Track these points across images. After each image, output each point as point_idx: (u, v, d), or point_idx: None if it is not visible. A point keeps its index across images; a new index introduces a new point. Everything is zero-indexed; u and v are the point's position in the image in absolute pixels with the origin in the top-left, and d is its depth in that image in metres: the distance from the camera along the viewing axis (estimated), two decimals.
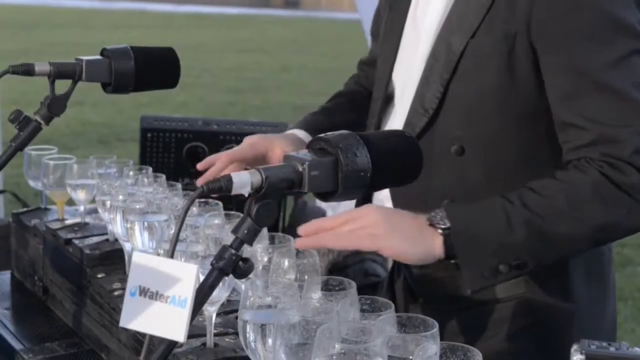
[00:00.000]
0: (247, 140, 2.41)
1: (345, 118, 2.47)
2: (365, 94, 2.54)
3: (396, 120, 2.26)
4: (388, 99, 2.31)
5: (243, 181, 1.51)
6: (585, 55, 1.96)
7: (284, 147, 2.36)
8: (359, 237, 1.93)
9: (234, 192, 1.50)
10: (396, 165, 1.65)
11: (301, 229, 1.95)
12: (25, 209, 2.86)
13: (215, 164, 2.34)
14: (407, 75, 2.22)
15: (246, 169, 2.38)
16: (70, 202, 2.65)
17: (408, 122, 2.17)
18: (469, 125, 2.07)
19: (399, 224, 1.95)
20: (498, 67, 2.03)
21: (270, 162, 2.36)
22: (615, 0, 1.97)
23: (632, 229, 2.00)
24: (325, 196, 1.61)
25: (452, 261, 1.98)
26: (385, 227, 1.92)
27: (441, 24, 2.13)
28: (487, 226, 1.95)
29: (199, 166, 2.36)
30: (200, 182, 2.29)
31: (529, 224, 1.93)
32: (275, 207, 1.55)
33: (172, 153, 4.19)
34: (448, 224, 1.95)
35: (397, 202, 2.17)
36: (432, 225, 1.96)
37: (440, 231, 1.95)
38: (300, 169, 1.56)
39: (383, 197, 2.24)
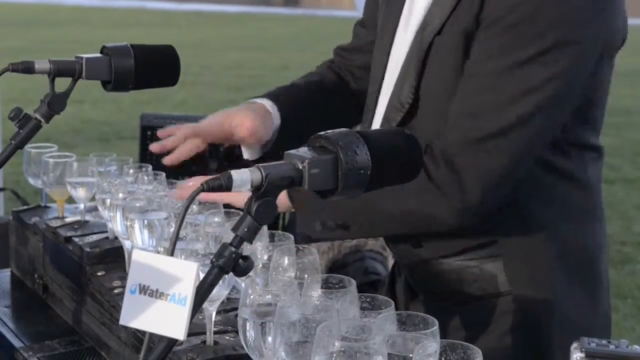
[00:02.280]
0: (211, 118, 2.39)
1: (311, 97, 2.48)
2: (335, 80, 2.54)
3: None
4: (380, 95, 2.32)
5: (243, 179, 1.51)
6: (498, 44, 1.98)
7: (250, 118, 2.35)
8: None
9: (234, 189, 1.50)
10: (396, 163, 1.64)
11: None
12: (25, 207, 2.86)
13: (175, 136, 2.34)
14: (395, 71, 2.23)
15: (217, 146, 2.39)
16: (70, 200, 2.65)
17: (386, 117, 2.19)
18: (441, 121, 2.08)
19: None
20: (458, 64, 2.05)
21: (239, 135, 2.35)
22: (564, 7, 1.96)
23: (441, 220, 2.04)
24: (325, 194, 1.61)
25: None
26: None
27: (422, 20, 2.15)
28: None
29: (154, 147, 2.37)
30: (166, 160, 2.31)
31: None
32: (275, 205, 1.55)
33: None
34: None
35: None
36: None
37: None
38: (301, 167, 1.56)
39: None
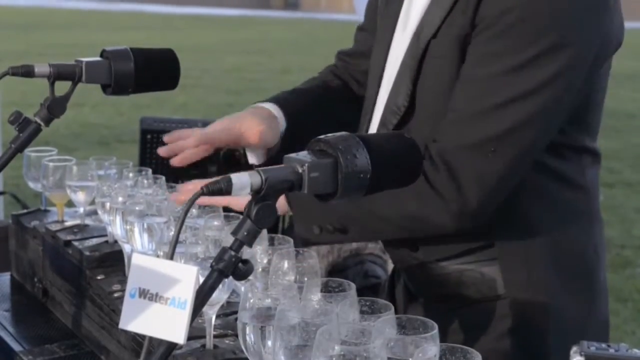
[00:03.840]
0: (219, 124, 2.38)
1: (316, 103, 2.48)
2: (338, 84, 2.55)
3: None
4: (377, 98, 2.32)
5: (242, 183, 1.51)
6: (494, 49, 1.98)
7: (258, 123, 2.35)
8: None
9: (234, 193, 1.50)
10: (396, 167, 1.64)
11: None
12: (25, 211, 2.86)
13: (185, 141, 2.35)
14: (392, 74, 2.23)
15: (218, 149, 2.40)
16: (70, 203, 2.65)
17: (383, 121, 2.20)
18: (436, 125, 2.08)
19: None
20: (453, 67, 2.06)
21: (247, 140, 2.35)
22: (558, 13, 1.96)
23: (438, 224, 2.05)
24: (325, 198, 1.61)
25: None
26: None
27: (417, 24, 2.15)
28: None
29: (161, 151, 2.37)
30: (174, 161, 2.32)
31: None
32: (275, 208, 1.55)
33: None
34: None
35: None
36: None
37: None
38: (300, 171, 1.56)
39: None
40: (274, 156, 2.41)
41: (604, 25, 2.03)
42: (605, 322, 2.25)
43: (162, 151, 2.39)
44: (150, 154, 4.23)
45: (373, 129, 2.26)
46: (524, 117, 1.97)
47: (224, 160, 3.94)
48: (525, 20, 1.95)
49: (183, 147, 2.36)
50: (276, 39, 19.18)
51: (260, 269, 1.94)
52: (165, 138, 2.39)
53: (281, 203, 2.16)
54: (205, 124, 4.26)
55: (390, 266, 3.04)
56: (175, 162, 2.36)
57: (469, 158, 1.99)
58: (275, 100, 2.44)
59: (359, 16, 4.67)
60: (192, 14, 24.15)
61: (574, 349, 1.61)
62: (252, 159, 2.41)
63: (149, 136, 4.24)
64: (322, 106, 2.48)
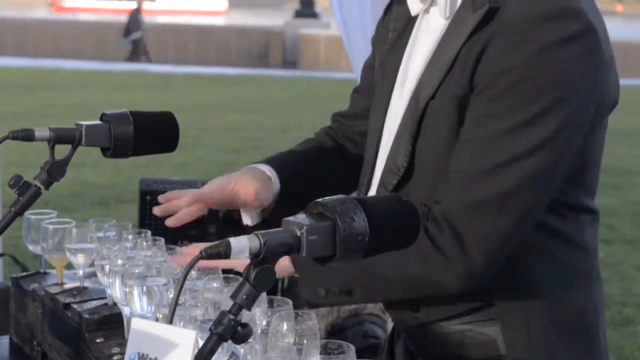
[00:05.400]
0: (213, 184, 2.39)
1: (311, 165, 2.51)
2: (333, 146, 2.56)
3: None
4: (377, 160, 2.33)
5: (241, 246, 1.52)
6: (493, 109, 2.00)
7: (252, 183, 2.37)
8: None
9: (232, 257, 1.51)
10: (394, 230, 1.65)
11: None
12: (24, 273, 2.86)
13: (179, 201, 2.35)
14: (390, 136, 2.25)
15: (215, 211, 2.40)
16: (70, 266, 2.65)
17: (382, 181, 2.21)
18: (436, 185, 2.10)
19: None
20: (451, 127, 2.08)
21: (242, 199, 2.36)
22: (555, 71, 1.98)
23: (444, 285, 2.05)
24: (324, 260, 1.62)
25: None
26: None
27: (415, 85, 2.18)
28: None
29: (156, 210, 2.37)
30: (169, 222, 2.31)
31: None
32: (274, 272, 1.56)
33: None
34: None
35: None
36: None
37: None
38: (299, 234, 1.57)
39: None
40: (267, 217, 2.42)
41: (600, 83, 2.05)
42: None
43: (157, 210, 2.39)
44: (149, 216, 4.24)
45: (373, 190, 2.28)
46: (527, 174, 1.99)
47: (223, 221, 3.95)
48: (524, 79, 1.98)
49: (177, 207, 2.36)
50: (275, 97, 19.25)
51: (259, 331, 1.94)
52: (160, 198, 2.39)
53: (285, 265, 2.16)
54: (204, 184, 4.29)
55: (390, 325, 3.04)
56: (170, 222, 2.36)
57: (472, 218, 2.00)
58: (269, 161, 2.45)
59: (357, 75, 4.69)
60: (192, 73, 24.26)
61: None
62: (246, 220, 2.42)
63: (148, 197, 4.25)
64: (317, 168, 2.50)
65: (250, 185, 2.36)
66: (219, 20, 36.42)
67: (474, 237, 2.00)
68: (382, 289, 2.13)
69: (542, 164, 1.99)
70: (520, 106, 1.98)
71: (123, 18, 30.16)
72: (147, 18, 31.05)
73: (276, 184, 2.41)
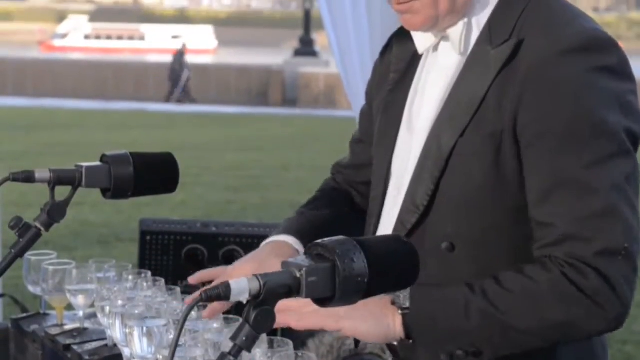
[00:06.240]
0: (243, 266, 2.33)
1: (332, 228, 2.46)
2: (343, 200, 2.54)
3: (392, 220, 2.28)
4: (385, 199, 2.33)
5: (241, 288, 1.52)
6: (563, 156, 2.00)
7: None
8: (322, 316, 1.99)
9: (233, 299, 1.51)
10: (393, 271, 1.66)
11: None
12: (24, 315, 2.86)
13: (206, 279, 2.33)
14: (402, 175, 2.24)
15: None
16: (70, 306, 2.66)
17: (400, 220, 2.20)
18: (459, 222, 2.10)
19: (362, 304, 1.97)
20: (486, 164, 2.07)
21: None
22: (597, 102, 2.00)
23: (591, 331, 2.03)
24: (323, 302, 1.62)
25: (410, 341, 2.02)
26: (347, 307, 1.95)
27: (433, 123, 2.17)
28: (444, 311, 2.00)
29: (193, 280, 2.34)
30: (205, 314, 2.25)
31: (485, 314, 1.98)
32: (274, 313, 1.56)
33: (171, 255, 4.20)
34: (408, 304, 2.00)
35: None
36: (394, 304, 2.01)
37: (400, 311, 2.01)
38: (298, 275, 1.57)
39: None
40: None
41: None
42: None
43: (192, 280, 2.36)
44: (149, 256, 4.24)
45: (382, 229, 2.27)
46: (631, 202, 2.00)
47: (224, 261, 3.94)
48: (579, 114, 1.99)
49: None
50: (275, 135, 19.29)
51: None
52: (190, 280, 2.36)
53: (395, 328, 2.03)
54: (204, 224, 4.29)
55: None
56: (205, 315, 2.26)
57: (608, 262, 1.98)
58: (293, 232, 2.40)
59: (356, 113, 4.71)
60: (192, 112, 24.33)
61: None
62: None
63: (148, 237, 4.25)
64: (336, 229, 2.47)
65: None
66: (208, 59, 36.52)
67: (618, 279, 1.98)
68: (516, 342, 2.03)
69: (636, 188, 2.01)
70: (587, 142, 1.98)
71: (122, 57, 30.28)
72: (137, 57, 31.11)
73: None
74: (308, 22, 31.32)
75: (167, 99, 28.49)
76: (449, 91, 2.16)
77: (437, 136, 2.14)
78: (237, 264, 2.36)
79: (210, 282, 2.34)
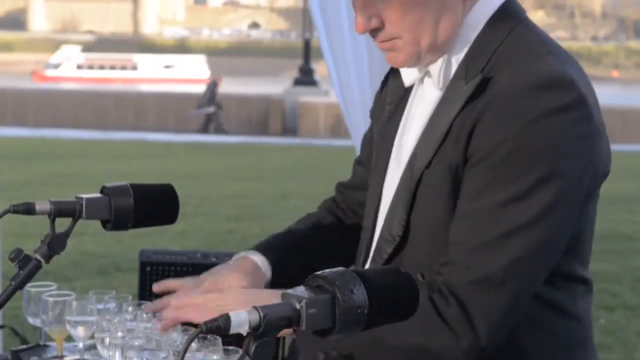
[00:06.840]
0: (201, 281, 2.39)
1: (305, 244, 2.51)
2: (331, 221, 2.57)
3: None
4: (375, 230, 2.35)
5: (241, 320, 1.53)
6: (491, 185, 2.02)
7: (240, 281, 2.35)
8: (210, 309, 2.11)
9: (232, 331, 1.52)
10: (393, 302, 1.66)
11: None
12: (24, 346, 2.85)
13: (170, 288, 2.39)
14: (388, 204, 2.26)
15: (199, 271, 2.42)
16: (70, 338, 2.65)
17: (377, 249, 2.23)
18: (429, 253, 2.12)
19: (254, 299, 2.00)
20: (446, 196, 2.10)
21: None
22: (541, 141, 2.01)
23: (447, 357, 2.04)
24: (323, 333, 1.62)
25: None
26: (239, 303, 2.04)
27: (410, 156, 2.20)
28: None
29: (156, 289, 2.40)
30: (159, 328, 2.29)
31: None
32: (274, 344, 1.57)
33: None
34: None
35: None
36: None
37: None
38: (298, 307, 1.58)
39: None
40: None
41: (594, 153, 2.08)
42: None
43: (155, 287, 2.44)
44: (149, 287, 4.23)
45: (371, 259, 2.28)
46: (529, 246, 2.00)
47: None
48: (518, 150, 2.00)
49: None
50: (275, 165, 19.32)
51: None
52: (154, 288, 2.41)
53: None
54: (204, 255, 4.29)
55: None
56: (159, 328, 2.32)
57: (478, 292, 2.01)
58: (260, 248, 2.46)
59: (356, 143, 4.72)
60: (192, 141, 24.38)
61: None
62: None
63: (148, 268, 4.24)
64: (311, 246, 2.51)
65: (237, 284, 2.35)
66: (201, 89, 36.73)
67: (480, 312, 2.01)
68: (383, 356, 2.12)
69: (542, 235, 2.01)
70: (516, 178, 2.00)
71: (121, 87, 30.38)
72: (129, 87, 31.18)
73: (267, 272, 2.41)
74: (308, 51, 31.44)
75: (205, 129, 28.56)
76: (426, 124, 2.19)
77: (412, 166, 2.18)
78: (199, 277, 2.42)
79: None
